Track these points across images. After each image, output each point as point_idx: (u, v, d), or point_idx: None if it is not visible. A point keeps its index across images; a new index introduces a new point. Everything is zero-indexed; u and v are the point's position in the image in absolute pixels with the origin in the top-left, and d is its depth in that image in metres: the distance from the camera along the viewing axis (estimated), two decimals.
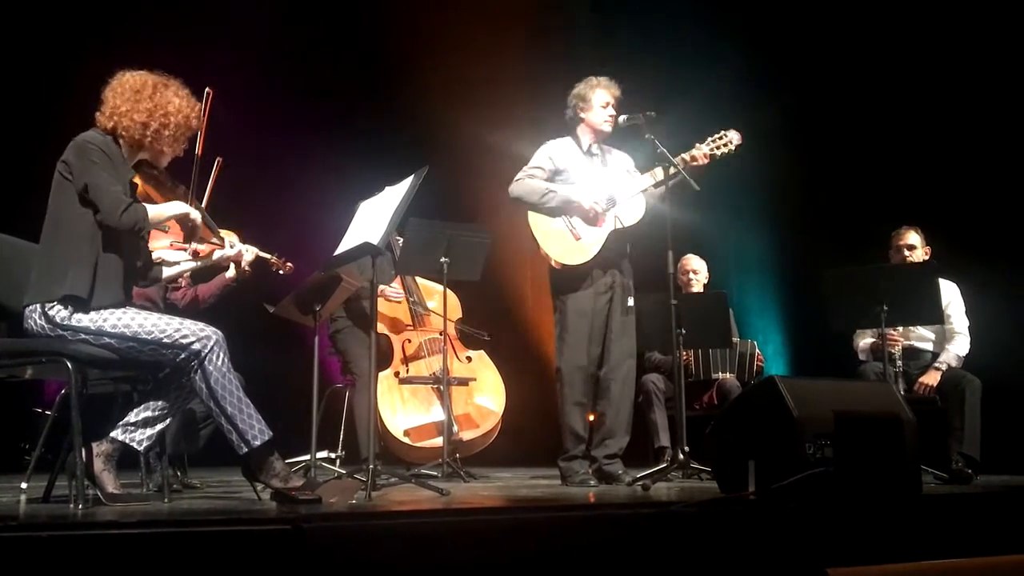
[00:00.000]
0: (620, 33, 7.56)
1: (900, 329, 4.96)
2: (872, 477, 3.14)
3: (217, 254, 3.54)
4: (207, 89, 3.42)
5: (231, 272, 4.73)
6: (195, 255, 3.47)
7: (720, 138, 4.43)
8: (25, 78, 6.28)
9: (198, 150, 3.43)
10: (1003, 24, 6.05)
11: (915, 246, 5.06)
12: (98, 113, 3.22)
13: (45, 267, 3.09)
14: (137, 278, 3.36)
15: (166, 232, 3.63)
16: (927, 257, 5.06)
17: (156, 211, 3.18)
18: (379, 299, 5.33)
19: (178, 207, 3.24)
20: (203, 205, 3.78)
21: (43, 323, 3.02)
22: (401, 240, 5.17)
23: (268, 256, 4.66)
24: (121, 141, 3.22)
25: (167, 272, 3.54)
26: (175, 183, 3.35)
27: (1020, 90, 5.96)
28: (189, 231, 3.30)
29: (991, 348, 5.17)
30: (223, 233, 4.59)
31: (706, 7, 7.22)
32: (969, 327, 5.01)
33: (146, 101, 3.18)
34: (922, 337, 5.03)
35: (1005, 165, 6.02)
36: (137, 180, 3.23)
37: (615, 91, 4.54)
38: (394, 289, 5.57)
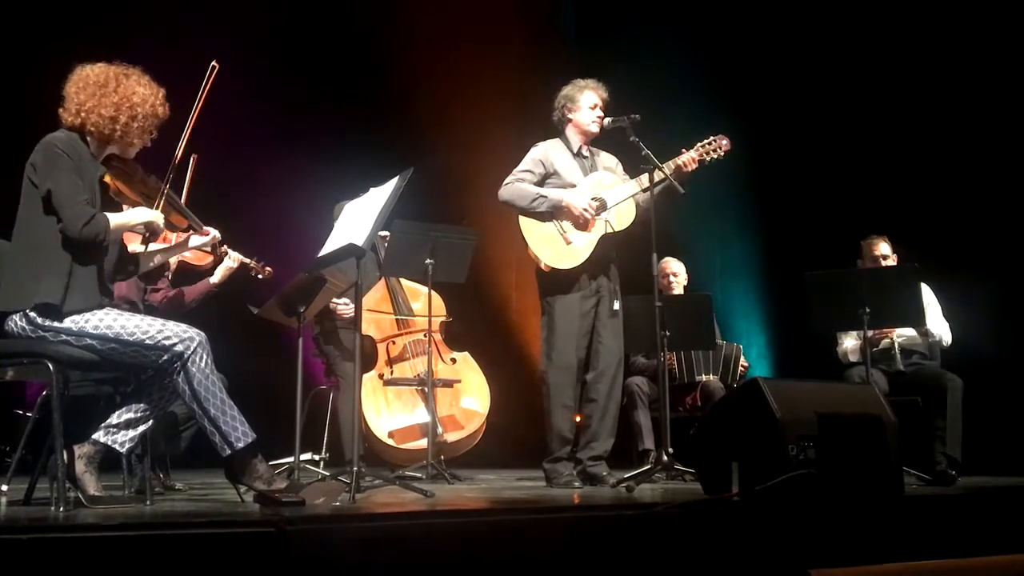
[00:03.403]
0: (604, 48, 7.59)
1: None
2: (855, 478, 3.16)
3: (195, 240, 3.50)
4: (213, 63, 3.33)
5: (215, 278, 4.72)
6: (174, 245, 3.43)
7: (710, 143, 4.44)
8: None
9: (190, 123, 3.31)
10: (973, 37, 6.13)
11: (888, 255, 5.11)
12: (62, 110, 3.16)
13: (17, 273, 3.05)
14: (115, 273, 3.32)
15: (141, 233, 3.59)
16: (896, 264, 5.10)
17: (119, 221, 3.11)
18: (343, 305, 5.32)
19: (141, 215, 3.18)
20: (182, 199, 3.72)
21: (24, 324, 3.00)
22: (387, 234, 5.15)
23: (248, 261, 4.66)
24: (89, 138, 3.16)
25: (144, 263, 3.48)
26: (146, 175, 3.27)
27: (988, 102, 6.05)
28: (151, 234, 3.24)
29: (969, 349, 5.22)
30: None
31: (688, 26, 7.27)
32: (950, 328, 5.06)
33: (111, 95, 3.13)
34: (901, 335, 5.05)
35: (977, 170, 6.10)
36: (107, 178, 3.16)
37: (603, 93, 4.56)
38: (344, 302, 5.36)
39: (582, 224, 4.39)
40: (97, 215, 3.04)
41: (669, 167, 4.33)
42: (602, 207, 4.39)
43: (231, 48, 6.71)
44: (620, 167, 4.62)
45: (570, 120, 4.58)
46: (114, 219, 3.10)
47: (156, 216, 3.21)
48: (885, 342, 4.99)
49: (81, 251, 3.05)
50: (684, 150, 4.43)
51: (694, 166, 4.40)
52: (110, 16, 6.48)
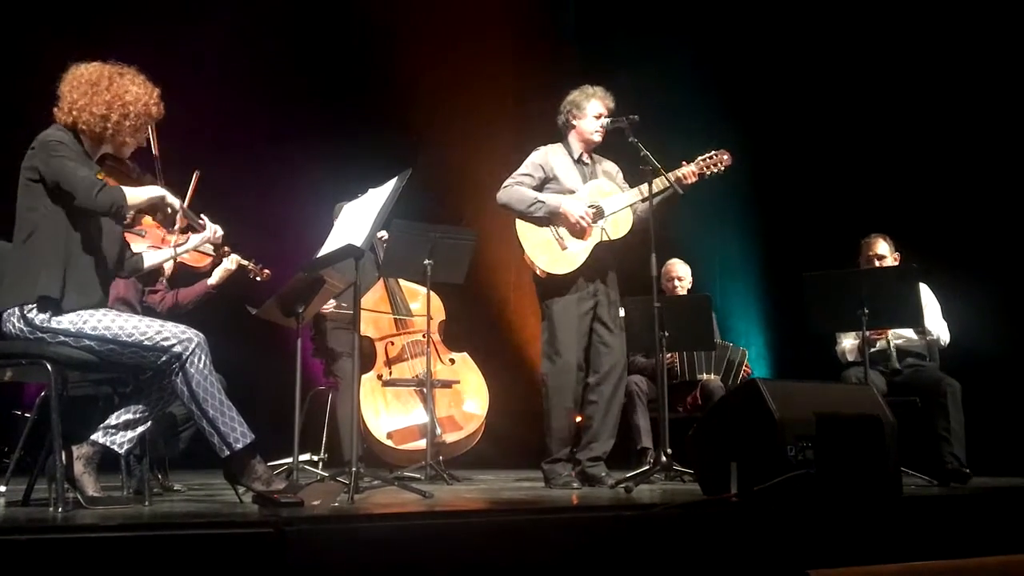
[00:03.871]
0: (604, 49, 7.59)
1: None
2: (853, 479, 3.16)
3: (195, 238, 3.51)
4: (195, 172, 3.41)
5: (212, 280, 4.71)
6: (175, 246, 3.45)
7: (710, 157, 4.43)
8: None
9: (155, 150, 3.33)
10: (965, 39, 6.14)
11: (884, 255, 5.10)
12: (56, 109, 3.15)
13: (16, 270, 3.05)
14: (116, 270, 3.32)
15: (143, 237, 3.60)
16: (896, 264, 5.09)
17: (133, 193, 3.09)
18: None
19: (155, 190, 3.16)
20: (185, 203, 3.73)
21: (22, 325, 3.00)
22: (385, 235, 5.15)
23: (247, 263, 4.66)
24: (82, 136, 3.16)
25: (148, 262, 3.50)
26: (141, 173, 3.27)
27: (988, 102, 6.05)
28: (168, 219, 3.22)
29: (969, 349, 5.23)
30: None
31: (688, 26, 7.26)
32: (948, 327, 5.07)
33: (103, 93, 3.11)
34: (899, 336, 5.06)
35: (977, 170, 6.11)
36: (100, 177, 3.12)
37: (609, 103, 4.55)
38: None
39: (578, 231, 4.39)
40: (109, 185, 3.03)
41: (668, 179, 4.33)
42: (599, 214, 4.39)
43: (231, 48, 6.78)
44: (620, 175, 4.62)
45: (574, 126, 4.57)
46: (129, 192, 3.08)
47: (168, 194, 3.17)
48: (880, 343, 4.99)
49: (85, 245, 3.06)
50: (684, 162, 4.42)
51: (694, 179, 4.40)
52: (110, 16, 6.48)
